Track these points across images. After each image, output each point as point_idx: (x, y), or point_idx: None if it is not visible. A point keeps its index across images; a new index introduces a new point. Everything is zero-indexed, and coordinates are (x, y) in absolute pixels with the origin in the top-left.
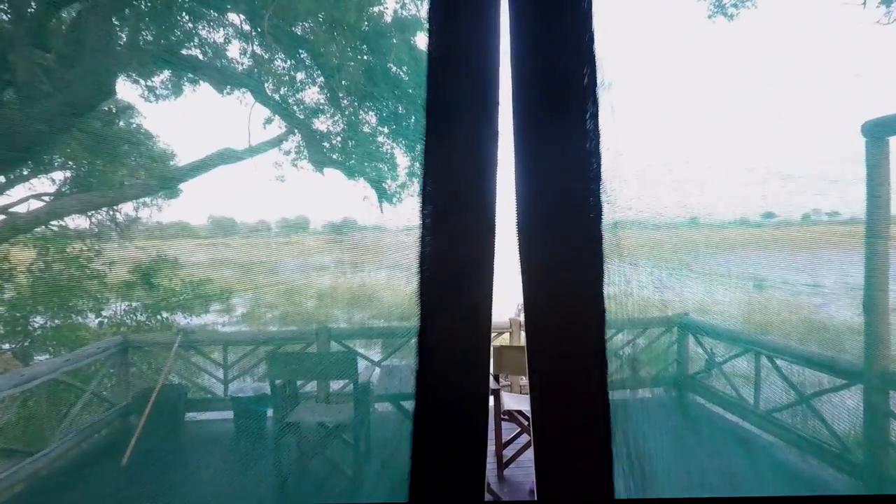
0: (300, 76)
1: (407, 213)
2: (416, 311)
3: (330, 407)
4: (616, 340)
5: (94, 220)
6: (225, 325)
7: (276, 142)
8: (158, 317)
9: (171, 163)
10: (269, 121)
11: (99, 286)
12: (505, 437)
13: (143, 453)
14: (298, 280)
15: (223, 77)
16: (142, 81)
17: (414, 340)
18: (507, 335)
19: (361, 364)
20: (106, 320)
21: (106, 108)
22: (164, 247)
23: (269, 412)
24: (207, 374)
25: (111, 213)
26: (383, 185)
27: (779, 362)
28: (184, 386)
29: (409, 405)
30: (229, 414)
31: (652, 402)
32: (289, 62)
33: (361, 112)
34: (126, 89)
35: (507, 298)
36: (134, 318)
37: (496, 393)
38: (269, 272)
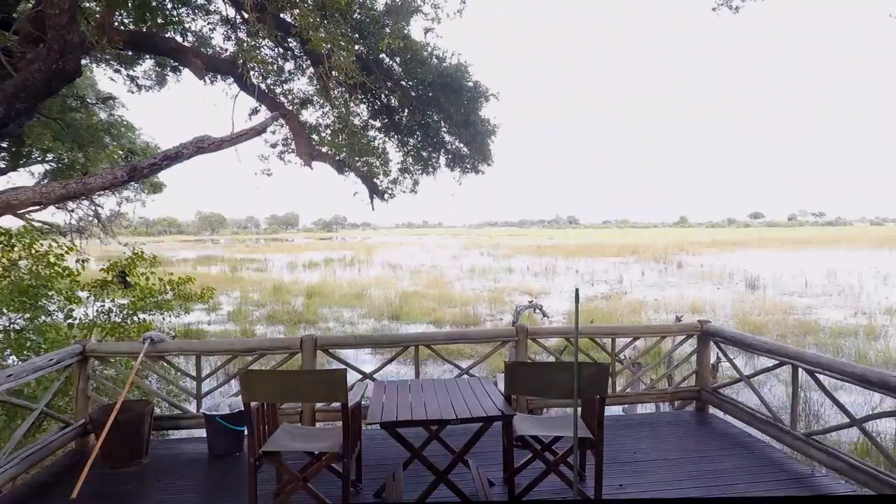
0: (288, 66)
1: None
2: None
3: (314, 431)
4: None
5: (66, 213)
6: (210, 323)
7: (258, 131)
8: (135, 318)
9: (146, 152)
10: (255, 111)
11: (72, 284)
12: (516, 463)
13: (98, 483)
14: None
15: (207, 64)
16: (123, 70)
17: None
18: (510, 345)
19: (352, 377)
20: (76, 321)
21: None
22: (138, 242)
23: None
24: (178, 387)
25: (79, 206)
26: (375, 180)
27: None
28: (150, 401)
29: (411, 431)
30: (202, 433)
31: None
32: (276, 50)
33: (352, 104)
34: (102, 77)
35: (508, 300)
36: (108, 318)
37: (508, 419)
38: (256, 270)
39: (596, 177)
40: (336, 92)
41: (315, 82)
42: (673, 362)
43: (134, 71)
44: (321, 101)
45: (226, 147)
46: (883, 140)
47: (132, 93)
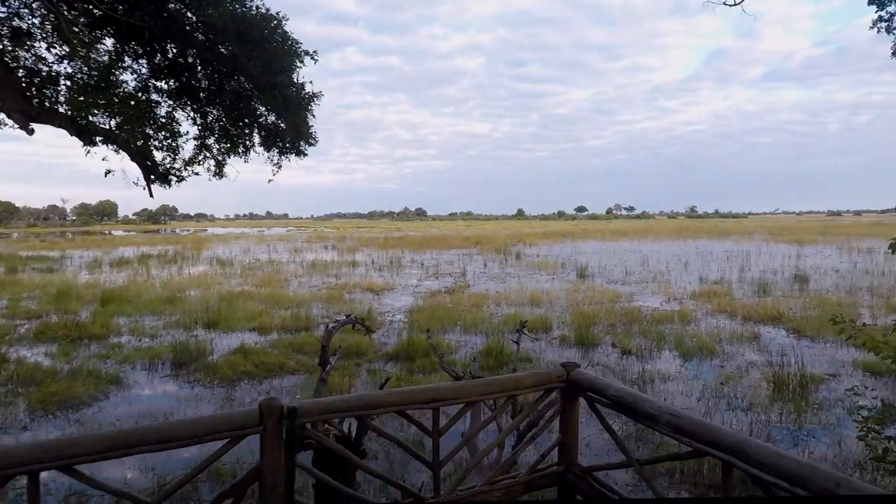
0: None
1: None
2: None
3: None
4: None
5: None
6: None
7: None
8: None
9: None
10: None
11: None
12: None
13: None
14: None
15: None
16: None
17: None
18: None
19: None
20: None
21: None
22: None
23: None
24: None
25: None
26: (155, 157)
27: None
28: None
29: None
30: None
31: None
32: None
33: (128, 57)
34: None
35: (348, 298)
36: None
37: None
38: None
39: (445, 168)
40: (89, 33)
41: (50, 15)
42: (523, 433)
43: None
44: (58, 42)
45: None
46: (680, 146)
47: None
